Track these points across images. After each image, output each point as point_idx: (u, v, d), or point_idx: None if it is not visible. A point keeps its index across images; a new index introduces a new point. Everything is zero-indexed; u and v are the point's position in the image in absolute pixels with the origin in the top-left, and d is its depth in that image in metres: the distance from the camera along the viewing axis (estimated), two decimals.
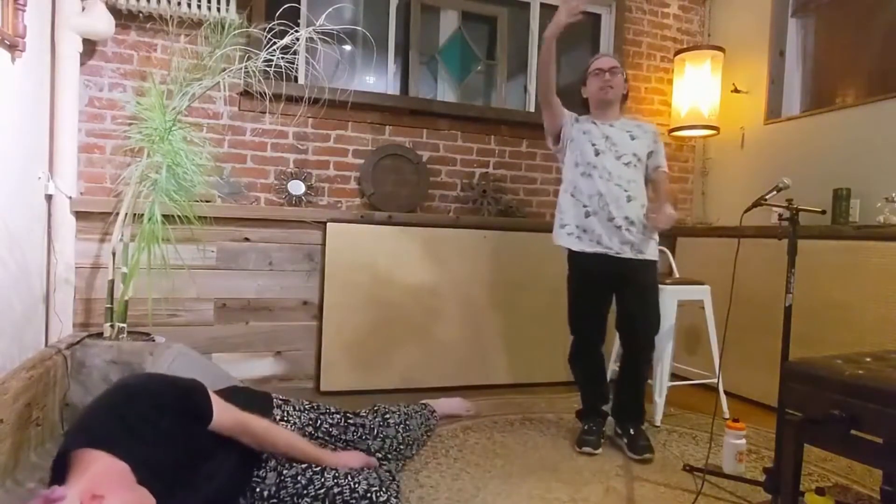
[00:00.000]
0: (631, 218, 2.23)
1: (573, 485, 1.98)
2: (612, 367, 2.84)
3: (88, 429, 1.31)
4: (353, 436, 1.90)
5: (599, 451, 2.26)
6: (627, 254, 2.23)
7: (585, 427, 2.35)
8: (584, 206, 2.26)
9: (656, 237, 2.32)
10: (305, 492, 1.54)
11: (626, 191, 2.24)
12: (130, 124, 2.67)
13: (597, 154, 2.27)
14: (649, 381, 2.64)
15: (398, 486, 1.78)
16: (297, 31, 2.33)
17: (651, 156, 2.35)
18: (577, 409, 2.45)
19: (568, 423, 2.58)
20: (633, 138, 2.30)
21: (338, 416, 1.93)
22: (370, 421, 1.98)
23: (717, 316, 2.75)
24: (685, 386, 2.98)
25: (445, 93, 3.46)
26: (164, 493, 1.31)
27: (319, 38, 2.31)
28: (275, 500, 1.54)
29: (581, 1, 2.16)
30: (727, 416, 2.68)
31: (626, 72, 2.41)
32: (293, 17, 2.51)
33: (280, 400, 1.87)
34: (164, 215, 2.34)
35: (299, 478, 1.56)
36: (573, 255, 2.32)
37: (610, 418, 2.41)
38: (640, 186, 2.29)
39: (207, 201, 2.73)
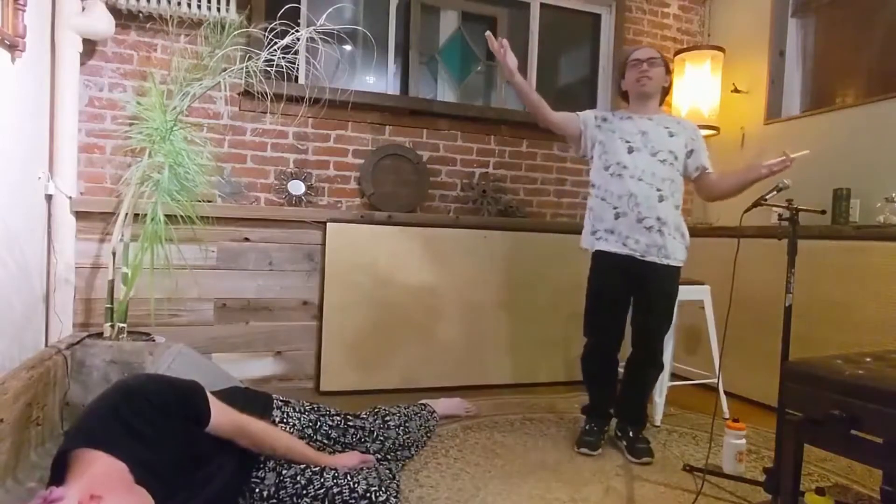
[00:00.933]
0: (663, 218, 2.16)
1: (573, 485, 1.98)
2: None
3: (87, 429, 1.31)
4: (353, 439, 1.90)
5: (597, 452, 2.25)
6: (652, 256, 2.17)
7: (586, 427, 2.34)
8: (615, 208, 2.20)
9: (687, 240, 2.26)
10: (305, 492, 1.54)
11: (658, 189, 2.17)
12: (131, 124, 2.67)
13: (630, 152, 2.20)
14: None
15: (398, 486, 1.78)
16: (297, 31, 2.33)
17: (692, 154, 2.25)
18: (584, 405, 2.42)
19: (568, 423, 2.58)
20: (671, 135, 2.22)
21: (338, 417, 1.92)
22: (370, 423, 1.98)
23: (717, 316, 2.75)
24: (685, 386, 2.98)
25: (445, 93, 3.46)
26: (162, 494, 1.31)
27: (320, 38, 2.30)
28: (274, 501, 1.54)
29: (496, 45, 2.15)
30: (727, 416, 2.68)
31: (669, 64, 2.31)
32: (293, 17, 2.50)
33: (281, 401, 1.86)
34: (165, 215, 2.34)
35: (298, 478, 1.56)
36: (597, 255, 2.27)
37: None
38: (675, 185, 2.21)
39: (208, 201, 2.73)
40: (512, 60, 2.17)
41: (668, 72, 2.30)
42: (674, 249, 2.20)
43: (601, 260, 2.26)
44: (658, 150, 2.20)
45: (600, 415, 2.36)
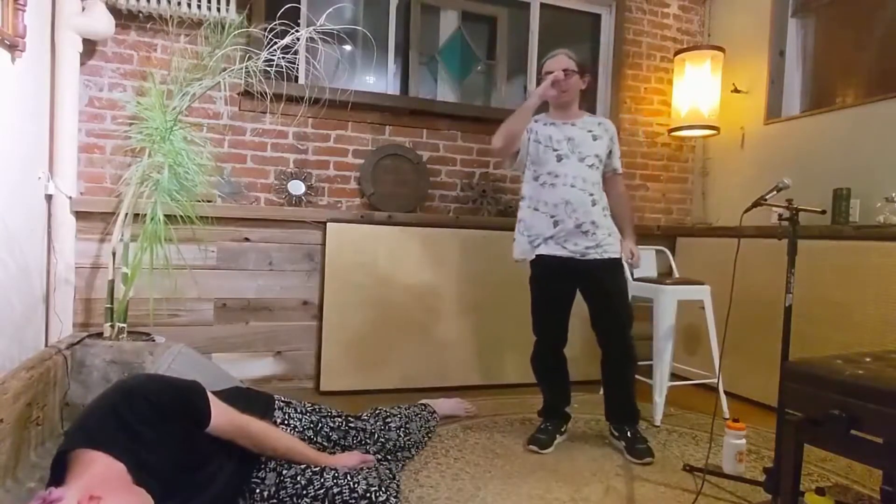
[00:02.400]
0: (596, 221, 2.23)
1: (573, 485, 1.98)
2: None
3: (87, 429, 1.31)
4: (353, 440, 1.90)
5: (548, 451, 2.25)
6: (592, 255, 2.23)
7: (541, 426, 2.36)
8: (552, 217, 2.24)
9: (618, 236, 2.31)
10: (305, 492, 1.54)
11: (591, 195, 2.24)
12: (131, 124, 2.67)
13: (559, 160, 2.25)
14: (647, 380, 2.64)
15: (398, 486, 1.78)
16: (297, 31, 2.33)
17: (610, 154, 2.35)
18: (539, 408, 2.44)
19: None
20: (595, 138, 2.28)
21: (339, 419, 1.92)
22: (371, 424, 1.98)
23: (717, 316, 2.75)
24: (685, 386, 2.98)
25: (445, 93, 3.46)
26: (162, 494, 1.32)
27: (320, 38, 2.31)
28: (274, 501, 1.54)
29: (558, 75, 2.20)
30: (727, 416, 2.67)
31: (584, 65, 2.30)
32: (293, 16, 2.50)
33: (282, 402, 1.86)
34: (165, 215, 2.34)
35: (299, 478, 1.56)
36: (538, 260, 2.31)
37: (602, 420, 2.40)
38: (599, 188, 2.30)
39: (208, 201, 2.74)
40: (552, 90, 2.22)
41: (584, 74, 2.31)
42: (609, 245, 2.26)
43: (542, 264, 2.30)
44: (585, 155, 2.26)
45: (555, 415, 2.38)
